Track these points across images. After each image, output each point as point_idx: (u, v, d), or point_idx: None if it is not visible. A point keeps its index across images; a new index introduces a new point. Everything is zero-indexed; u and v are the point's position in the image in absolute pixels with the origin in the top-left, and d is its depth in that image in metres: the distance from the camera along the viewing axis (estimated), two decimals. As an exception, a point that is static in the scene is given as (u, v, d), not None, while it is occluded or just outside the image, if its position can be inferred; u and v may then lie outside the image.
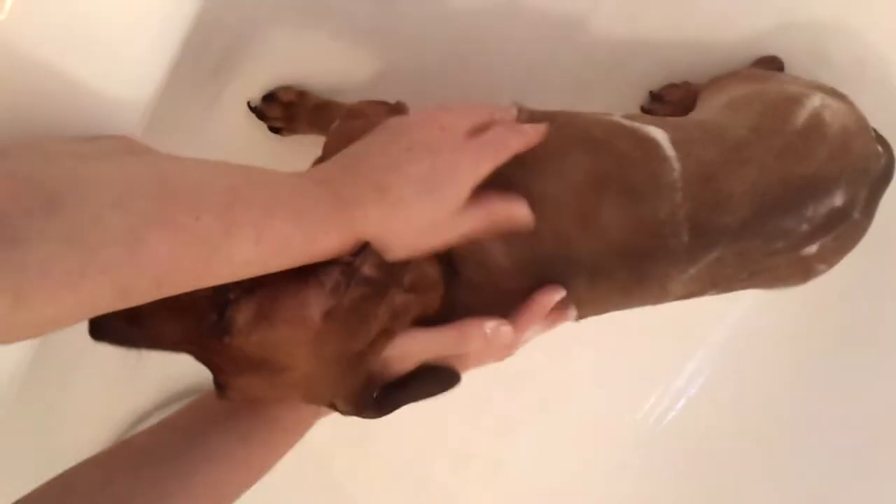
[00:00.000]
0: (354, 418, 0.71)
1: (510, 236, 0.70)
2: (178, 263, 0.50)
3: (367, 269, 0.62)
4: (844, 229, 0.79)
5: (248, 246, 0.54)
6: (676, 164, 0.74)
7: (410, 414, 1.11)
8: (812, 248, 0.78)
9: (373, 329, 0.66)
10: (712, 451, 1.18)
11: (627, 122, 0.77)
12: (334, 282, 0.62)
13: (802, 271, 0.82)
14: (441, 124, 0.68)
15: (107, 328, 0.61)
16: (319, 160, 0.80)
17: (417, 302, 0.69)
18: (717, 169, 0.75)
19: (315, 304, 0.62)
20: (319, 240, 0.59)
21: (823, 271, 0.82)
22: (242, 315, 0.61)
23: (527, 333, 0.74)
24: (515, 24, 1.01)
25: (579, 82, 1.05)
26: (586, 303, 0.76)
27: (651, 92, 1.05)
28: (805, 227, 0.76)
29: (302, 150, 0.86)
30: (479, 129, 0.69)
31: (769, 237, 0.76)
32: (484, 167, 0.67)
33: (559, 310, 0.74)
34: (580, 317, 0.77)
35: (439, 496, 1.22)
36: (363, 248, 0.62)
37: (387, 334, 0.67)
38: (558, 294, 0.72)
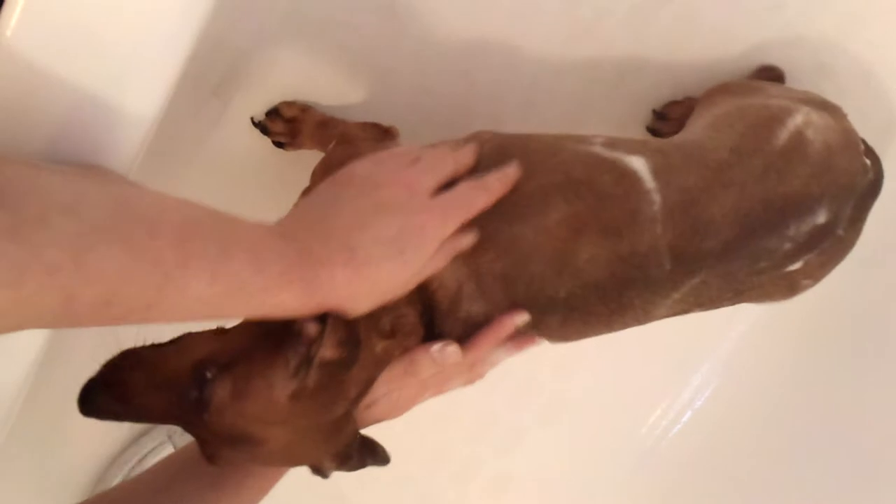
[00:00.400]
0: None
1: (484, 283, 0.72)
2: (128, 283, 0.49)
3: (328, 352, 0.63)
4: (829, 245, 0.79)
5: (203, 283, 0.53)
6: (657, 196, 0.74)
7: (416, 430, 1.12)
8: (796, 265, 0.79)
9: (350, 392, 0.67)
10: (718, 464, 1.18)
11: (608, 154, 0.77)
12: (296, 364, 0.63)
13: (788, 287, 0.82)
14: (407, 182, 0.68)
15: (95, 405, 0.63)
16: (307, 190, 0.81)
17: (398, 345, 0.71)
18: (698, 194, 0.75)
19: (280, 385, 0.63)
20: (279, 292, 0.59)
21: (809, 286, 0.83)
22: (218, 394, 0.62)
23: (492, 356, 0.75)
24: (520, 40, 1.01)
25: (583, 97, 1.06)
26: (560, 334, 0.77)
27: (654, 110, 1.06)
28: (788, 245, 0.76)
29: (307, 165, 0.86)
30: (445, 184, 0.71)
31: (753, 258, 0.76)
32: (450, 227, 0.68)
33: (526, 334, 0.75)
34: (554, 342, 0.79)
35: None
36: (323, 321, 0.63)
37: (368, 384, 0.69)
38: (520, 317, 0.73)
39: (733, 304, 0.81)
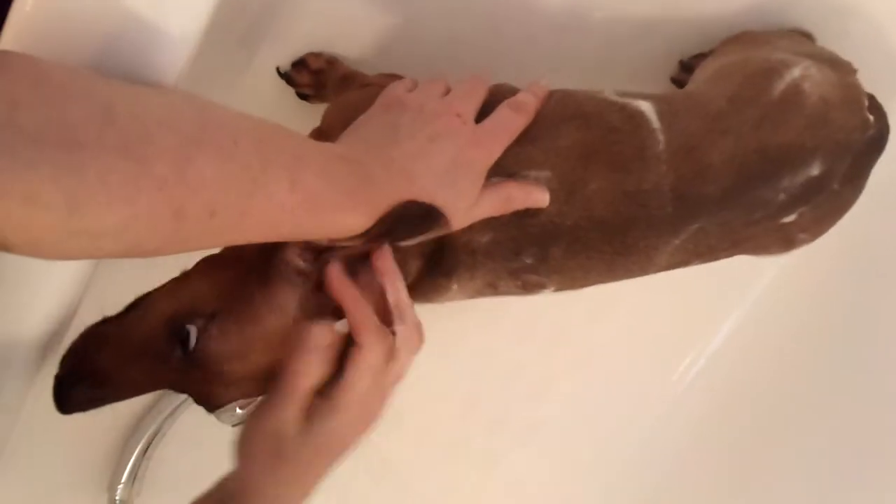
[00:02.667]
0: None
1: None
2: (225, 190, 0.51)
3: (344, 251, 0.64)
4: (823, 199, 0.79)
5: (284, 189, 0.55)
6: (661, 136, 0.76)
7: (445, 381, 1.13)
8: (791, 217, 0.79)
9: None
10: (746, 412, 1.17)
11: (618, 98, 0.79)
12: (298, 268, 0.64)
13: (783, 240, 0.83)
14: (457, 111, 0.72)
15: (72, 399, 0.61)
16: (318, 130, 0.81)
17: None
18: (699, 140, 0.76)
19: (291, 298, 0.64)
20: (349, 211, 0.60)
21: (806, 240, 0.83)
22: (215, 342, 0.62)
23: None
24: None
25: (608, 51, 1.06)
26: (561, 272, 0.78)
27: (681, 61, 1.05)
28: (782, 196, 0.77)
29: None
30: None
31: (748, 207, 0.77)
32: (497, 152, 0.72)
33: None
34: (558, 289, 0.80)
35: (476, 460, 1.23)
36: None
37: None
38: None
39: (730, 255, 0.82)
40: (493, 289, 0.79)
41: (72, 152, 0.43)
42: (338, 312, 0.65)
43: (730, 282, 0.89)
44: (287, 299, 0.64)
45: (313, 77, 0.98)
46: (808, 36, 1.00)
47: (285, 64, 0.99)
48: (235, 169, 0.52)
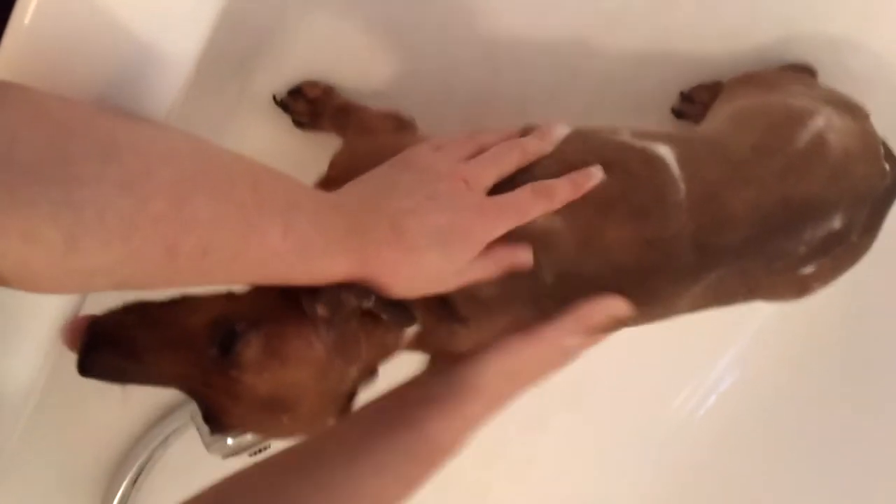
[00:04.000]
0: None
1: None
2: (219, 230, 0.51)
3: (357, 301, 0.64)
4: (842, 251, 0.80)
5: (278, 234, 0.55)
6: (682, 185, 0.74)
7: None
8: (810, 269, 0.80)
9: (360, 364, 0.68)
10: (743, 445, 1.18)
11: (637, 142, 0.77)
12: (315, 313, 0.63)
13: (798, 289, 0.83)
14: (465, 177, 0.69)
15: (100, 363, 0.60)
16: (325, 178, 0.81)
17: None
18: (720, 188, 0.75)
19: (318, 340, 0.63)
20: (336, 258, 0.60)
21: (818, 288, 0.84)
22: (252, 349, 0.61)
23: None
24: (544, 26, 1.01)
25: (607, 84, 1.06)
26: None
27: (682, 92, 1.05)
28: (803, 248, 0.77)
29: (326, 146, 0.86)
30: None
31: (769, 257, 0.77)
32: (499, 230, 0.68)
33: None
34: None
35: (470, 492, 1.22)
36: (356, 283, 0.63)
37: (371, 367, 0.70)
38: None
39: (745, 301, 0.82)
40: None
41: (71, 189, 0.43)
42: (358, 361, 0.67)
43: (729, 314, 0.89)
44: (315, 340, 0.64)
45: (309, 105, 0.97)
46: (811, 72, 1.01)
47: (281, 92, 0.98)
48: (231, 210, 0.52)
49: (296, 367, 0.63)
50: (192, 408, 1.04)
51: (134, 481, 1.04)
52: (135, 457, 1.04)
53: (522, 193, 0.70)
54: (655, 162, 0.76)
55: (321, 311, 0.63)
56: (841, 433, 1.07)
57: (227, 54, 0.93)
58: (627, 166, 0.75)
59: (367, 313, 0.65)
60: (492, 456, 1.21)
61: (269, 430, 0.69)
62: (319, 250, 0.58)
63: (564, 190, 0.71)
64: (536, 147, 0.74)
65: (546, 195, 0.71)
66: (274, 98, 0.98)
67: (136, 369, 0.61)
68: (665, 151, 0.76)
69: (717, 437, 1.19)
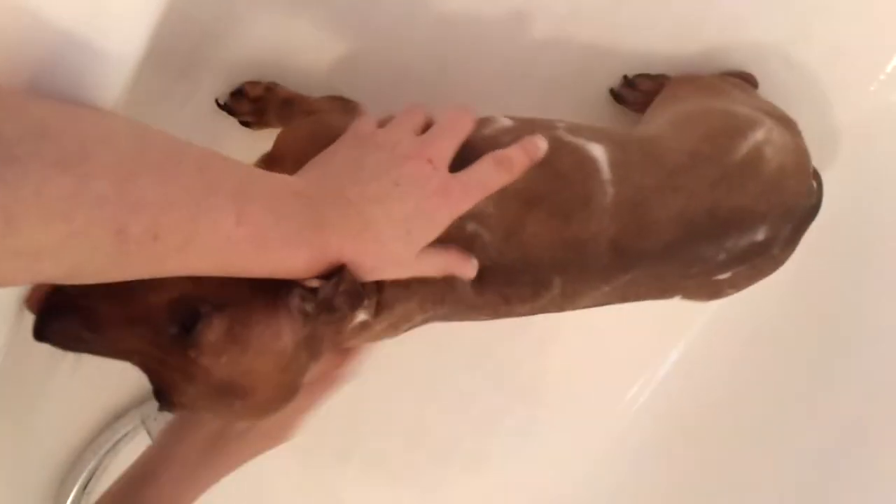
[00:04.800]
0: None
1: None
2: (167, 212, 0.50)
3: (340, 301, 0.63)
4: (761, 261, 0.81)
5: (230, 221, 0.54)
6: (610, 189, 0.75)
7: (393, 408, 1.12)
8: (725, 275, 0.81)
9: (322, 351, 0.69)
10: (695, 436, 1.19)
11: (571, 138, 0.77)
12: (302, 309, 0.63)
13: (711, 293, 0.84)
14: (430, 155, 0.68)
15: (57, 329, 0.59)
16: (268, 156, 0.80)
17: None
18: (649, 193, 0.75)
19: (288, 333, 0.63)
20: (295, 249, 0.59)
21: (731, 293, 0.85)
22: (214, 332, 0.60)
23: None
24: (492, 21, 1.01)
25: (554, 78, 1.06)
26: (487, 307, 0.77)
27: (625, 76, 1.05)
28: (723, 256, 0.78)
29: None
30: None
31: (686, 263, 0.78)
32: (463, 208, 0.68)
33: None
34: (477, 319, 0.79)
35: (423, 489, 1.23)
36: (337, 272, 0.63)
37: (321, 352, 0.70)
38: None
39: (655, 300, 0.82)
40: (423, 317, 0.78)
41: (5, 166, 0.42)
42: (320, 355, 0.67)
43: (677, 310, 0.90)
44: (285, 333, 0.63)
45: (253, 105, 0.96)
46: (752, 81, 1.02)
47: (224, 94, 0.97)
48: (177, 191, 0.51)
49: (257, 355, 0.62)
50: (143, 411, 1.03)
51: (84, 487, 1.03)
52: (84, 462, 1.03)
53: (484, 165, 0.70)
54: (587, 164, 0.76)
55: (309, 308, 0.63)
56: (792, 424, 1.08)
57: (172, 56, 0.93)
58: (558, 164, 0.75)
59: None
60: (443, 452, 1.21)
61: (218, 413, 0.68)
62: (277, 241, 0.57)
63: (520, 158, 0.71)
64: (473, 114, 0.74)
65: (507, 166, 0.70)
66: (217, 102, 0.97)
67: (93, 339, 0.60)
68: (599, 153, 0.76)
69: (669, 429, 1.20)
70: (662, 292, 0.81)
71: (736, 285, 0.83)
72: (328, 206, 0.62)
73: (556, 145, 0.76)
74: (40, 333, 0.59)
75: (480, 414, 1.20)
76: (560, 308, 0.79)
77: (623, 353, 1.21)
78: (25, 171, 0.43)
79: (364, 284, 0.65)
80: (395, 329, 0.77)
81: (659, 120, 0.89)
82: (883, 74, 1.06)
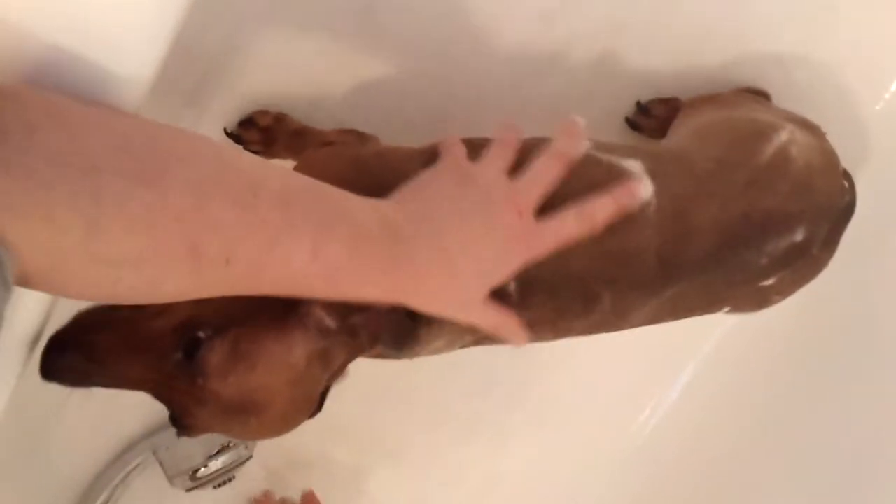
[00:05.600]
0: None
1: None
2: (243, 238, 0.50)
3: (386, 337, 0.64)
4: (803, 264, 0.80)
5: (306, 256, 0.53)
6: (653, 200, 0.74)
7: (406, 430, 1.11)
8: (770, 281, 0.80)
9: (338, 366, 0.67)
10: (705, 461, 1.18)
11: (605, 156, 0.76)
12: (321, 325, 0.62)
13: (759, 301, 0.84)
14: (520, 209, 0.67)
15: (62, 366, 0.59)
16: None
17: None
18: (686, 203, 0.75)
19: (301, 346, 0.62)
20: (366, 284, 0.59)
21: (778, 301, 0.84)
22: (216, 355, 0.60)
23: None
24: (498, 44, 1.01)
25: (561, 100, 1.06)
26: (542, 323, 0.75)
27: (638, 102, 1.05)
28: (765, 260, 0.78)
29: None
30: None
31: (730, 270, 0.77)
32: (538, 257, 0.67)
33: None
34: (538, 339, 0.77)
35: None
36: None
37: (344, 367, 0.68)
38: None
39: (704, 314, 0.82)
40: (462, 341, 0.77)
41: (89, 176, 0.43)
42: (336, 367, 0.66)
43: (686, 332, 0.89)
44: (297, 346, 0.62)
45: (262, 134, 0.96)
46: (765, 95, 1.02)
47: (233, 123, 0.97)
48: (253, 220, 0.50)
49: (266, 371, 0.62)
50: (154, 441, 1.02)
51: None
52: (95, 494, 1.02)
53: (567, 221, 0.68)
54: (625, 176, 0.75)
55: (329, 322, 0.62)
56: (805, 445, 1.08)
57: (177, 86, 0.93)
58: (595, 180, 0.73)
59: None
60: (455, 475, 1.20)
61: (236, 433, 0.67)
62: (350, 279, 0.57)
63: (607, 211, 0.69)
64: (573, 150, 0.70)
65: (589, 220, 0.68)
66: (225, 130, 0.97)
67: (100, 372, 0.60)
68: (636, 167, 0.76)
69: (680, 455, 1.19)
70: (710, 304, 0.81)
71: (782, 291, 0.83)
72: (421, 248, 0.61)
73: (591, 162, 0.74)
74: (47, 373, 0.58)
75: (487, 439, 1.20)
76: (616, 326, 0.78)
77: (631, 381, 1.21)
78: (108, 181, 0.44)
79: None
80: (435, 352, 0.77)
81: (682, 133, 0.89)
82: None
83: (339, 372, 0.68)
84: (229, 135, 0.96)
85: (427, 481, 1.20)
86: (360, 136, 0.91)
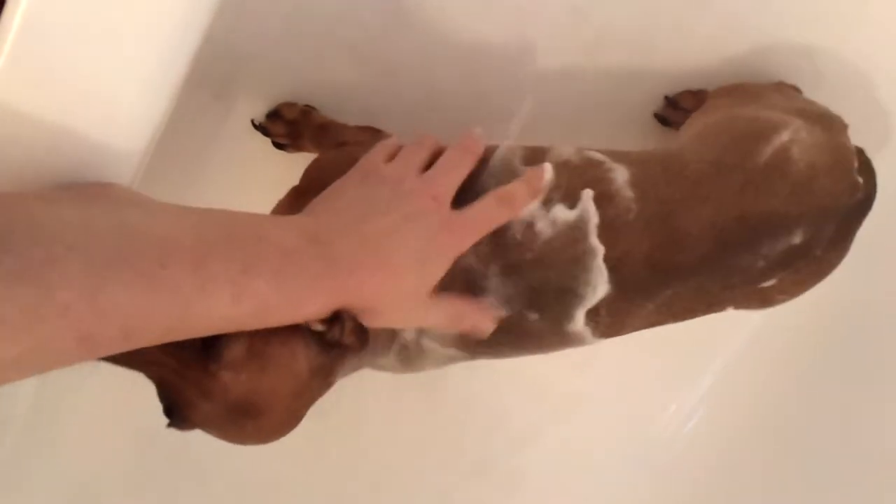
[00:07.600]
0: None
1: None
2: (146, 315, 0.48)
3: (348, 337, 0.64)
4: (805, 265, 0.79)
5: (226, 303, 0.53)
6: (634, 206, 0.74)
7: (429, 428, 1.11)
8: (770, 282, 0.79)
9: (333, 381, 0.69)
10: (732, 460, 1.17)
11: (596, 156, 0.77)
12: (320, 340, 0.63)
13: (761, 301, 0.82)
14: (435, 193, 0.69)
15: None
16: (296, 189, 0.82)
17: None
18: (676, 207, 0.75)
19: (304, 357, 0.63)
20: (302, 305, 0.59)
21: (785, 300, 0.83)
22: (235, 349, 0.61)
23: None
24: (526, 41, 1.01)
25: (588, 99, 1.06)
26: (505, 342, 0.77)
27: (666, 97, 1.04)
28: (761, 263, 0.76)
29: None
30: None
31: (725, 273, 0.77)
32: (468, 243, 0.69)
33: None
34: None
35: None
36: (339, 318, 0.63)
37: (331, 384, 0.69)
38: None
39: (706, 314, 0.81)
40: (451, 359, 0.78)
41: None
42: (330, 384, 0.67)
43: (713, 329, 0.88)
44: (300, 352, 0.63)
45: (288, 127, 0.97)
46: (796, 89, 1.00)
47: (261, 115, 0.98)
48: (161, 294, 0.49)
49: (276, 376, 0.62)
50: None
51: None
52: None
53: (487, 203, 0.71)
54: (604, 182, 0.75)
55: (331, 333, 0.63)
56: (835, 443, 1.06)
57: (205, 80, 0.94)
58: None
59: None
60: (478, 472, 1.20)
61: (228, 434, 0.67)
62: (281, 305, 0.57)
63: (522, 193, 0.72)
64: (478, 145, 0.75)
65: (509, 203, 0.71)
66: (252, 122, 0.98)
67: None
68: (618, 174, 0.76)
69: (706, 452, 1.18)
70: (710, 306, 0.80)
71: (786, 291, 0.81)
72: (343, 246, 0.62)
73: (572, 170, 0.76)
74: None
75: (513, 434, 1.20)
76: (616, 331, 0.79)
77: (657, 378, 1.19)
78: None
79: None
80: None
81: (685, 135, 0.88)
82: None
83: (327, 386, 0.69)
84: (257, 127, 0.97)
85: (448, 476, 1.20)
86: (375, 135, 0.91)
